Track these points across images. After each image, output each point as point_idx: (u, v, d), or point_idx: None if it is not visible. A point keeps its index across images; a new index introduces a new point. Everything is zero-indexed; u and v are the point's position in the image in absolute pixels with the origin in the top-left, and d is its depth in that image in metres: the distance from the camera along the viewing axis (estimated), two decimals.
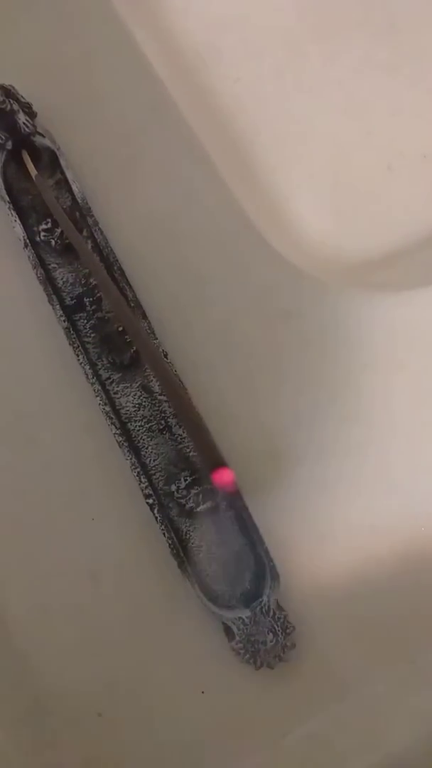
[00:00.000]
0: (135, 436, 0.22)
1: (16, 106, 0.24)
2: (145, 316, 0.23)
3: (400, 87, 0.29)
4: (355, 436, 0.23)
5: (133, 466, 0.22)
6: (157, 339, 0.23)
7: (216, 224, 0.25)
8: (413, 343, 0.24)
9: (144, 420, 0.23)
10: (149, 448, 0.22)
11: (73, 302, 0.23)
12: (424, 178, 0.28)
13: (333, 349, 0.24)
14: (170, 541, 0.21)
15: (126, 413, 0.23)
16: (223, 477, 0.13)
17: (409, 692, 0.22)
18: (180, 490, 0.22)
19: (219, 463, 0.13)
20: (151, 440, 0.23)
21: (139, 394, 0.23)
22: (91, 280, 0.23)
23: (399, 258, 0.27)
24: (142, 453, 0.22)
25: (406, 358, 0.24)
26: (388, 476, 0.23)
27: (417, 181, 0.28)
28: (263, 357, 0.24)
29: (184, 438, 0.23)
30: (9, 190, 0.24)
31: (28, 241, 0.23)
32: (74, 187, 0.24)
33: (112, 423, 0.22)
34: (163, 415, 0.23)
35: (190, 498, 0.22)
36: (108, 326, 0.23)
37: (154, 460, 0.22)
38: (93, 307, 0.23)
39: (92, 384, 0.22)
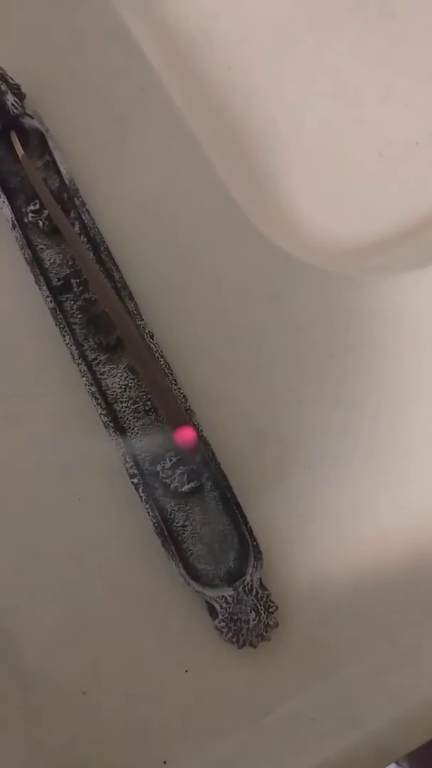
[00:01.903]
0: (121, 417, 0.23)
1: (4, 87, 0.24)
2: (131, 297, 0.23)
3: (392, 74, 0.29)
4: (341, 418, 0.23)
5: (119, 446, 0.22)
6: (143, 320, 0.23)
7: (203, 207, 0.25)
8: (399, 326, 0.24)
9: (130, 401, 0.23)
10: (135, 428, 0.23)
11: (60, 283, 0.23)
12: (414, 165, 0.28)
13: (319, 332, 0.24)
14: (154, 521, 0.22)
15: (112, 394, 0.23)
16: (185, 434, 0.14)
17: (391, 672, 0.22)
18: (165, 470, 0.22)
19: (181, 421, 0.14)
20: (137, 421, 0.23)
21: (125, 375, 0.23)
22: (78, 262, 0.23)
23: (388, 243, 0.27)
24: (128, 434, 0.22)
25: (392, 341, 0.24)
26: (372, 458, 0.23)
27: (408, 168, 0.28)
28: (249, 339, 0.24)
29: None
30: None
31: (15, 222, 0.23)
32: (62, 169, 0.24)
33: (98, 403, 0.22)
34: (149, 396, 0.23)
35: (175, 478, 0.22)
36: (95, 307, 0.23)
37: (139, 441, 0.22)
38: (80, 288, 0.23)
39: (78, 365, 0.23)
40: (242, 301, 0.24)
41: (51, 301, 0.23)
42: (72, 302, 0.23)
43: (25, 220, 0.24)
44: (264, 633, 0.21)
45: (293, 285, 0.24)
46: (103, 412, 0.22)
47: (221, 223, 0.25)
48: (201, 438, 0.22)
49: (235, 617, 0.21)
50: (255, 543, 0.22)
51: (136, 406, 0.23)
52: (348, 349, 0.24)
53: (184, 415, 0.14)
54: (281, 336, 0.24)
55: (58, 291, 0.23)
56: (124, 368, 0.23)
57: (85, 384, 0.22)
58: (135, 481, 0.22)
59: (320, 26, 0.29)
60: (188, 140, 0.26)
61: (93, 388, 0.22)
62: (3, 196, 0.24)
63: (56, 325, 0.23)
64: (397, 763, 0.41)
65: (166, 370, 0.22)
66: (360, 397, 0.24)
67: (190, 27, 0.28)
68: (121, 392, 0.23)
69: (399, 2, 0.29)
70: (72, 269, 0.23)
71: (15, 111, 0.24)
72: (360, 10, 0.29)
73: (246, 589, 0.21)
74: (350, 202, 0.27)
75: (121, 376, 0.23)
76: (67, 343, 0.23)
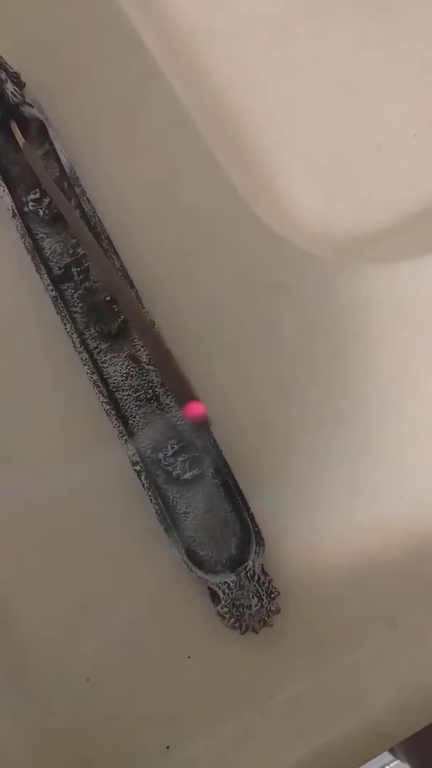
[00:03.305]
0: (123, 405, 0.23)
1: (4, 76, 0.23)
2: (132, 285, 0.23)
3: (390, 67, 0.29)
4: (342, 406, 0.24)
5: (121, 434, 0.22)
6: (144, 309, 0.23)
7: (204, 196, 0.25)
8: (400, 314, 0.24)
9: (132, 389, 0.23)
10: (137, 416, 0.23)
11: (60, 272, 0.23)
12: (412, 157, 0.28)
13: (321, 321, 0.24)
14: (157, 508, 0.22)
15: (114, 382, 0.23)
16: (195, 409, 0.14)
17: (391, 656, 0.22)
18: (167, 458, 0.22)
19: (190, 396, 0.14)
20: (138, 409, 0.23)
21: (126, 363, 0.23)
22: (79, 250, 0.23)
23: (387, 234, 0.27)
24: (130, 422, 0.23)
25: (393, 329, 0.24)
26: (374, 446, 0.23)
27: (406, 159, 0.28)
28: (251, 328, 0.24)
29: (172, 407, 0.23)
30: None
31: (16, 210, 0.23)
32: (62, 158, 0.24)
33: (99, 392, 0.22)
34: (150, 384, 0.23)
35: (177, 465, 0.22)
36: (95, 296, 0.23)
37: (141, 429, 0.23)
38: (80, 277, 0.23)
39: (80, 353, 0.23)
40: (242, 289, 0.24)
41: (52, 290, 0.23)
42: (73, 291, 0.23)
43: (26, 209, 0.24)
44: (266, 618, 0.21)
45: (294, 274, 0.25)
46: (105, 400, 0.22)
47: (221, 213, 0.25)
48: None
49: (238, 603, 0.21)
50: (257, 529, 0.22)
51: (137, 394, 0.23)
52: (348, 337, 0.24)
53: (193, 390, 0.14)
54: (282, 324, 0.24)
55: (58, 280, 0.23)
56: (125, 357, 0.23)
57: (87, 372, 0.22)
58: (137, 468, 0.22)
59: (319, 18, 0.29)
60: (188, 130, 0.26)
61: (95, 377, 0.22)
62: (3, 185, 0.23)
63: (57, 313, 0.23)
64: (391, 750, 0.42)
65: None
66: (359, 385, 0.24)
67: (189, 17, 0.28)
68: (122, 380, 0.23)
69: None
70: (72, 258, 0.23)
71: (15, 100, 0.24)
72: (358, 3, 0.29)
73: (248, 575, 0.21)
74: (349, 192, 0.27)
75: (122, 365, 0.23)
76: (69, 332, 0.23)
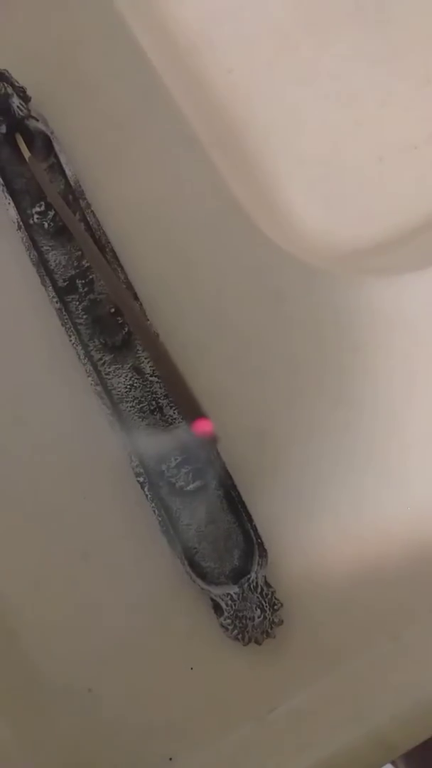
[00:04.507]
0: (126, 417, 0.23)
1: (10, 90, 0.24)
2: (136, 298, 0.23)
3: (390, 78, 0.29)
4: (343, 417, 0.24)
5: (125, 446, 0.22)
6: (148, 320, 0.23)
7: (206, 209, 0.25)
8: (402, 325, 0.25)
9: (135, 401, 0.23)
10: (140, 428, 0.23)
11: (65, 284, 0.23)
12: (413, 168, 0.28)
13: (322, 332, 0.24)
14: (160, 519, 0.22)
15: (117, 394, 0.23)
16: (204, 426, 0.14)
17: (394, 668, 0.22)
18: (170, 469, 0.22)
19: (199, 414, 0.14)
20: (142, 421, 0.23)
21: (130, 375, 0.23)
22: (84, 263, 0.24)
23: (388, 245, 0.27)
24: (134, 433, 0.23)
25: (396, 340, 0.24)
26: (377, 458, 0.24)
27: (407, 171, 0.28)
28: (253, 338, 0.24)
29: (176, 419, 0.23)
30: (3, 174, 0.24)
31: (21, 223, 0.24)
32: (67, 171, 0.24)
33: (103, 403, 0.22)
34: (154, 396, 0.23)
35: (180, 477, 0.22)
36: (100, 308, 0.23)
37: (145, 440, 0.23)
38: (85, 289, 0.23)
39: (84, 364, 0.23)
40: (244, 301, 0.25)
41: (57, 302, 0.23)
42: (77, 303, 0.23)
43: (31, 221, 0.24)
44: (269, 630, 0.21)
45: (294, 285, 0.25)
46: (109, 412, 0.22)
47: (224, 225, 0.25)
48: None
49: (241, 614, 0.21)
50: (260, 541, 0.22)
51: (141, 405, 0.23)
52: (349, 348, 0.24)
53: (202, 407, 0.14)
54: (283, 336, 0.24)
55: (63, 292, 0.23)
56: (129, 368, 0.23)
57: (91, 384, 0.23)
58: (141, 480, 0.22)
59: (320, 30, 0.29)
60: (190, 143, 0.26)
61: (99, 388, 0.23)
62: (9, 197, 0.24)
63: (62, 325, 0.23)
64: (392, 763, 0.41)
65: None
66: (361, 396, 0.24)
67: (192, 31, 0.28)
68: (126, 392, 0.23)
69: (397, 7, 0.29)
70: (77, 270, 0.24)
71: (21, 114, 0.24)
72: (359, 15, 0.30)
73: (251, 586, 0.21)
74: (350, 204, 0.28)
75: (126, 376, 0.23)
76: (73, 343, 0.23)
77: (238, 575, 0.22)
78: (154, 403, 0.23)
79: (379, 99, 0.29)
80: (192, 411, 0.14)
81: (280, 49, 0.29)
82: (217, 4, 0.29)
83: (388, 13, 0.30)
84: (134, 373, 0.23)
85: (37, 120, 0.24)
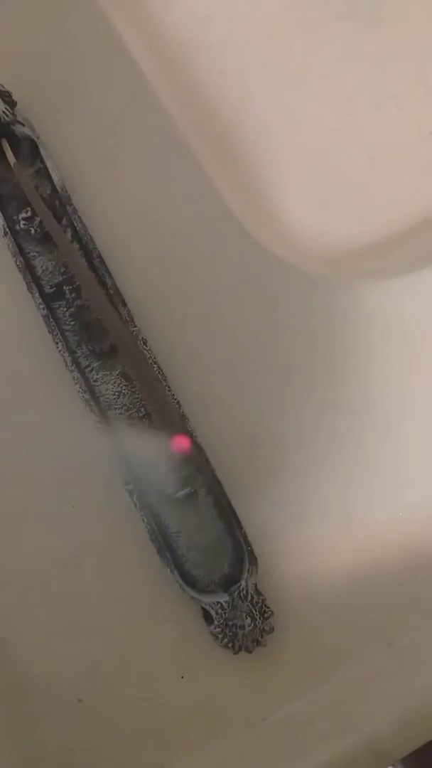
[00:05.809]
0: (115, 424, 0.23)
1: None
2: (124, 304, 0.23)
3: (382, 79, 0.29)
4: (336, 422, 0.23)
5: (113, 453, 0.22)
6: (136, 326, 0.23)
7: (196, 213, 0.25)
8: (395, 329, 0.24)
9: (124, 408, 0.23)
10: (129, 435, 0.23)
11: (52, 290, 0.23)
12: (405, 170, 0.28)
13: (315, 336, 0.24)
14: (149, 527, 0.22)
15: (106, 401, 0.23)
16: (180, 443, 0.14)
17: (387, 675, 0.22)
18: (159, 477, 0.22)
19: (177, 430, 0.14)
20: (131, 428, 0.23)
21: (118, 381, 0.23)
22: (71, 269, 0.23)
23: (381, 248, 0.27)
24: (122, 440, 0.22)
25: (388, 344, 0.24)
26: (367, 463, 0.23)
27: (399, 173, 0.28)
28: (244, 344, 0.24)
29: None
30: None
31: (7, 229, 0.23)
32: (54, 176, 0.24)
33: (91, 410, 0.22)
34: (143, 402, 0.23)
35: (169, 484, 0.22)
36: (87, 314, 0.23)
37: (133, 447, 0.22)
38: (72, 296, 0.23)
39: (72, 372, 0.23)
40: (236, 306, 0.24)
41: (43, 308, 0.23)
42: (65, 309, 0.23)
43: (17, 227, 0.24)
44: (259, 638, 0.21)
45: (286, 290, 0.25)
46: (97, 419, 0.22)
47: (214, 229, 0.25)
48: (195, 444, 0.22)
49: (231, 623, 0.21)
50: (250, 548, 0.22)
51: (130, 412, 0.23)
52: (341, 353, 0.24)
53: (179, 424, 0.14)
54: (275, 341, 0.24)
55: (50, 298, 0.23)
56: (117, 375, 0.23)
57: (79, 391, 0.22)
58: (129, 487, 0.22)
59: (312, 32, 0.29)
60: (181, 146, 0.26)
61: (87, 395, 0.22)
62: None
63: (49, 332, 0.23)
64: (393, 766, 0.41)
65: (160, 376, 0.22)
66: (353, 402, 0.24)
67: (182, 32, 0.28)
68: (114, 399, 0.23)
69: (389, 9, 0.29)
70: (64, 276, 0.23)
71: (6, 118, 0.24)
72: (351, 16, 0.29)
73: (241, 594, 0.21)
74: (342, 207, 0.27)
75: (114, 383, 0.23)
76: (60, 350, 0.23)
77: (229, 583, 0.22)
78: (143, 410, 0.23)
79: (372, 101, 0.29)
80: (169, 426, 0.14)
81: (271, 50, 0.29)
82: (206, 4, 0.29)
83: (380, 16, 0.29)
84: (123, 380, 0.23)
85: (23, 125, 0.24)
